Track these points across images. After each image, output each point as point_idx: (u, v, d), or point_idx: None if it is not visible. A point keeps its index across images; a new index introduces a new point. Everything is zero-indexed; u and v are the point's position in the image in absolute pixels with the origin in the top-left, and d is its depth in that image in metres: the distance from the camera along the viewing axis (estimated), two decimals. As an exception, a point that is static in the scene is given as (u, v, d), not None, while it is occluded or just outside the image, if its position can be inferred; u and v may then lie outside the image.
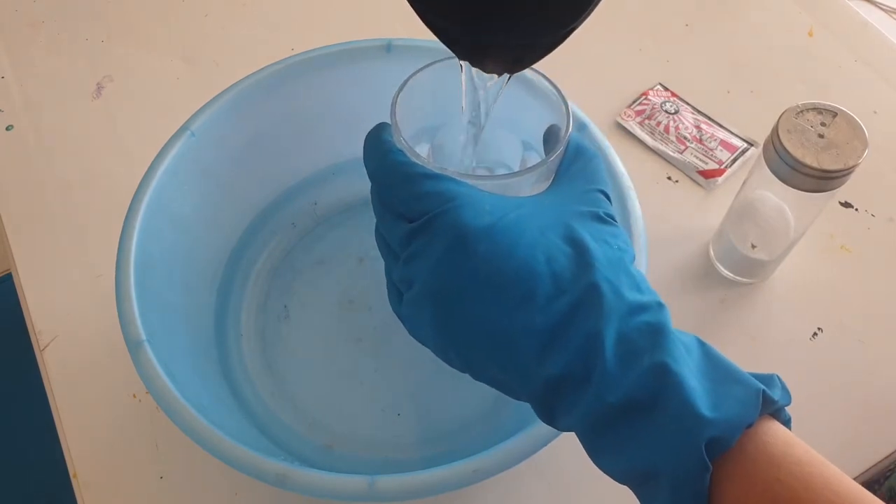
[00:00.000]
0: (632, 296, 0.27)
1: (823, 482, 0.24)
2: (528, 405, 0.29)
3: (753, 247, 0.49)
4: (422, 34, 0.45)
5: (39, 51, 0.64)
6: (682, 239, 0.54)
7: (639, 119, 0.59)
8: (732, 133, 0.58)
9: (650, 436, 0.25)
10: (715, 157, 0.57)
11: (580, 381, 0.26)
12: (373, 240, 0.34)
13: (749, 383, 0.26)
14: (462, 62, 0.30)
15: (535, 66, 0.34)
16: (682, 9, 0.68)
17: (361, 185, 0.33)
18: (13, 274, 0.52)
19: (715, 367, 0.27)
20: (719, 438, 0.24)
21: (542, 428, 0.33)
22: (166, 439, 0.45)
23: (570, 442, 0.29)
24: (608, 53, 0.65)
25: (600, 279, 0.27)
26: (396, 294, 0.31)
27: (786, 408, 0.27)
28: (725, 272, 0.51)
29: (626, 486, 0.27)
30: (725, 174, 0.56)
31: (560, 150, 0.32)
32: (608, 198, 0.32)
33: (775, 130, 0.42)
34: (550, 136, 0.35)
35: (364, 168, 0.32)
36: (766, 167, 0.43)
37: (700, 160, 0.57)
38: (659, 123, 0.59)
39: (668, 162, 0.57)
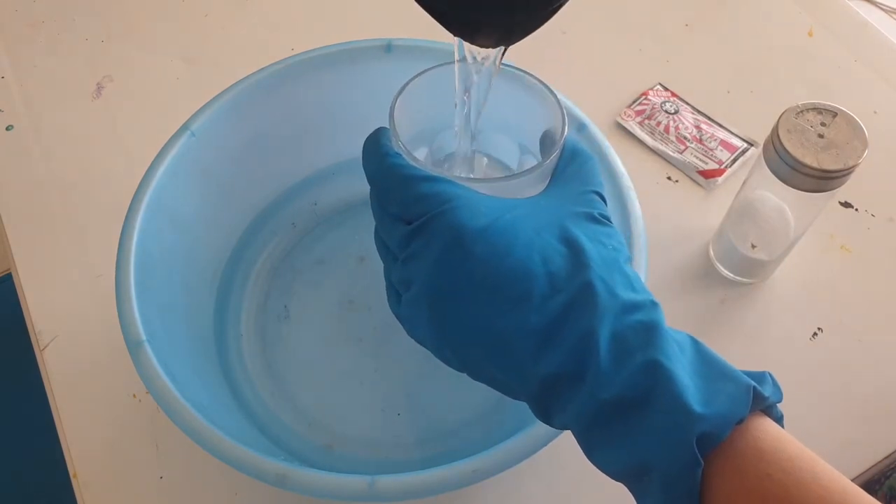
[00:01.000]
0: (626, 294, 0.28)
1: (813, 477, 0.24)
2: (527, 405, 0.29)
3: (753, 247, 0.49)
4: (422, 34, 0.45)
5: (39, 51, 0.64)
6: (682, 239, 0.54)
7: (639, 119, 0.59)
8: (732, 133, 0.58)
9: (643, 431, 0.25)
10: (715, 157, 0.57)
11: (574, 379, 0.27)
12: (373, 239, 0.34)
13: (740, 380, 0.26)
14: (455, 40, 0.30)
15: (532, 72, 0.34)
16: (682, 9, 0.68)
17: (361, 185, 0.33)
18: (13, 274, 0.52)
19: (707, 364, 0.27)
20: (710, 434, 0.24)
21: (541, 428, 0.33)
22: (166, 439, 0.45)
23: (569, 442, 0.29)
24: (608, 53, 0.65)
25: (595, 278, 0.27)
26: (395, 295, 0.32)
27: (779, 405, 0.27)
28: (725, 272, 0.51)
29: (622, 488, 0.27)
30: (725, 174, 0.56)
31: (556, 153, 0.33)
32: (603, 199, 0.32)
33: (775, 130, 0.42)
34: (547, 139, 0.35)
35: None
36: (766, 167, 0.43)
37: (700, 160, 0.57)
38: (659, 123, 0.59)
39: (668, 162, 0.57)
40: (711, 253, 0.52)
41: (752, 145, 0.58)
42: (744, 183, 0.48)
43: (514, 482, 0.43)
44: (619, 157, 0.42)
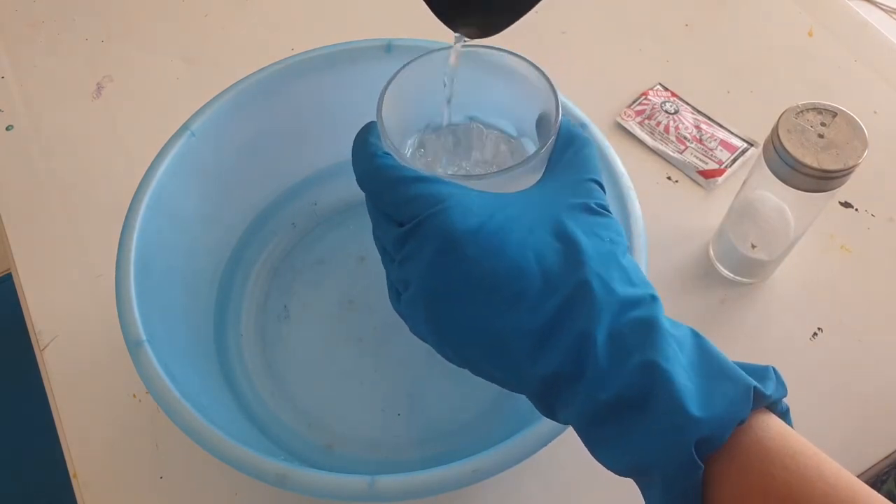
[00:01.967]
0: (623, 290, 0.27)
1: (818, 474, 0.24)
2: (527, 405, 0.29)
3: (753, 247, 0.49)
4: (422, 34, 0.45)
5: (39, 51, 0.64)
6: (682, 239, 0.54)
7: (639, 119, 0.59)
8: (732, 133, 0.58)
9: (642, 433, 0.25)
10: (715, 157, 0.57)
11: (573, 380, 0.26)
12: (373, 239, 0.34)
13: (740, 380, 0.26)
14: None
15: (528, 56, 0.34)
16: (682, 9, 0.68)
17: (361, 185, 0.33)
18: (13, 274, 0.52)
19: (707, 361, 0.26)
20: (709, 437, 0.24)
21: (541, 428, 0.33)
22: (166, 439, 0.45)
23: (569, 442, 0.29)
24: (608, 53, 0.65)
25: (591, 276, 0.27)
26: (396, 293, 0.32)
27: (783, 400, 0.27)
28: (725, 272, 0.51)
29: (622, 488, 0.27)
30: (725, 174, 0.56)
31: (550, 141, 0.32)
32: (601, 186, 0.31)
33: (775, 130, 0.42)
34: (543, 122, 0.34)
35: None
36: (766, 167, 0.43)
37: (700, 160, 0.57)
38: (659, 123, 0.59)
39: (668, 162, 0.57)
40: (711, 253, 0.52)
41: (752, 145, 0.58)
42: (744, 183, 0.48)
43: (514, 482, 0.43)
44: (619, 157, 0.42)
